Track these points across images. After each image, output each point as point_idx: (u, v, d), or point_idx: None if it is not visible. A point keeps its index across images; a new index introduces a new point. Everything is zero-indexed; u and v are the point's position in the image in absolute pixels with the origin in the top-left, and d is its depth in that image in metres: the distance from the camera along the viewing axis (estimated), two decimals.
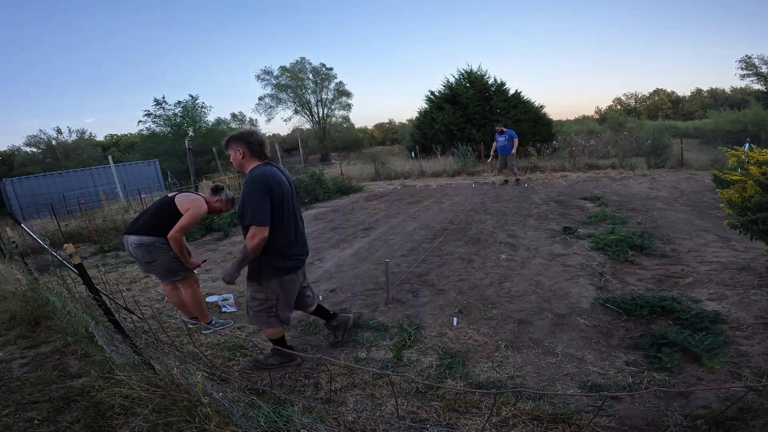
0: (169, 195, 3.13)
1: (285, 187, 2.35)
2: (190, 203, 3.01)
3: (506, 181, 10.25)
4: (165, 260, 2.99)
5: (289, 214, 2.37)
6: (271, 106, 37.97)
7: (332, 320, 2.85)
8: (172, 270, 3.04)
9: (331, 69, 37.37)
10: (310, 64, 36.80)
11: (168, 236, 2.93)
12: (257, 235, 2.19)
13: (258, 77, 37.11)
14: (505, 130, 9.49)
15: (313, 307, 2.79)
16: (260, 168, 2.31)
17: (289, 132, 44.38)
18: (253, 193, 2.20)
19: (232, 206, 3.28)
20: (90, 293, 2.14)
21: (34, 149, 35.49)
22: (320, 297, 3.82)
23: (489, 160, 11.18)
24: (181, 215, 2.97)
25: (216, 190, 3.21)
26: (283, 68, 36.55)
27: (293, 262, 2.44)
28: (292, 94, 37.57)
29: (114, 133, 45.78)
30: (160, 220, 2.98)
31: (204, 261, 3.79)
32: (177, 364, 2.04)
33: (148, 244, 2.94)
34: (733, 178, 3.17)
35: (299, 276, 2.57)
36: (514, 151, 9.48)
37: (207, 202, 3.14)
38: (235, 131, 2.53)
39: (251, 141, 2.34)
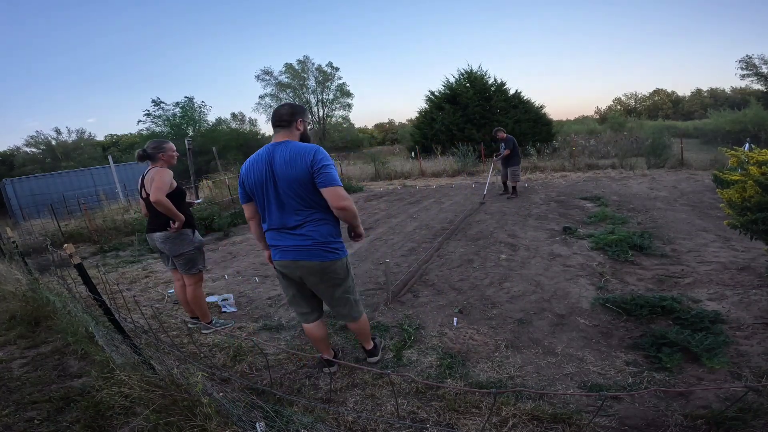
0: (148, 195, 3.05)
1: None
2: (154, 176, 2.95)
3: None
4: (189, 251, 3.11)
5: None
6: (271, 106, 37.99)
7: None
8: (192, 261, 3.14)
9: (337, 69, 37.40)
10: (314, 63, 36.88)
11: (152, 199, 2.85)
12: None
13: (258, 77, 37.20)
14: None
15: None
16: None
17: None
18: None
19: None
20: (90, 293, 2.14)
21: (34, 149, 35.43)
22: None
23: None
24: (173, 195, 2.99)
25: (146, 155, 3.05)
26: (287, 65, 36.57)
27: None
28: (292, 94, 37.59)
29: (114, 133, 45.76)
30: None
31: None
32: (177, 364, 2.04)
33: (175, 236, 3.05)
34: (733, 178, 3.17)
35: None
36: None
37: (163, 166, 3.07)
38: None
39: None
